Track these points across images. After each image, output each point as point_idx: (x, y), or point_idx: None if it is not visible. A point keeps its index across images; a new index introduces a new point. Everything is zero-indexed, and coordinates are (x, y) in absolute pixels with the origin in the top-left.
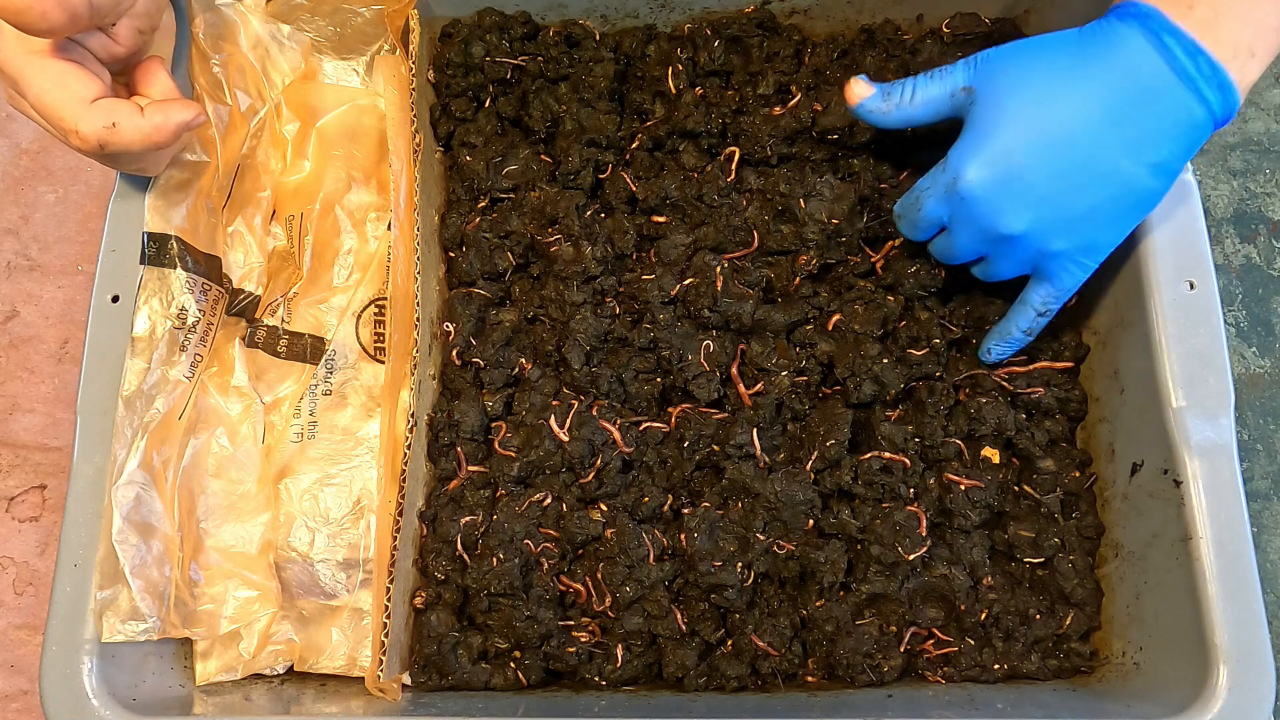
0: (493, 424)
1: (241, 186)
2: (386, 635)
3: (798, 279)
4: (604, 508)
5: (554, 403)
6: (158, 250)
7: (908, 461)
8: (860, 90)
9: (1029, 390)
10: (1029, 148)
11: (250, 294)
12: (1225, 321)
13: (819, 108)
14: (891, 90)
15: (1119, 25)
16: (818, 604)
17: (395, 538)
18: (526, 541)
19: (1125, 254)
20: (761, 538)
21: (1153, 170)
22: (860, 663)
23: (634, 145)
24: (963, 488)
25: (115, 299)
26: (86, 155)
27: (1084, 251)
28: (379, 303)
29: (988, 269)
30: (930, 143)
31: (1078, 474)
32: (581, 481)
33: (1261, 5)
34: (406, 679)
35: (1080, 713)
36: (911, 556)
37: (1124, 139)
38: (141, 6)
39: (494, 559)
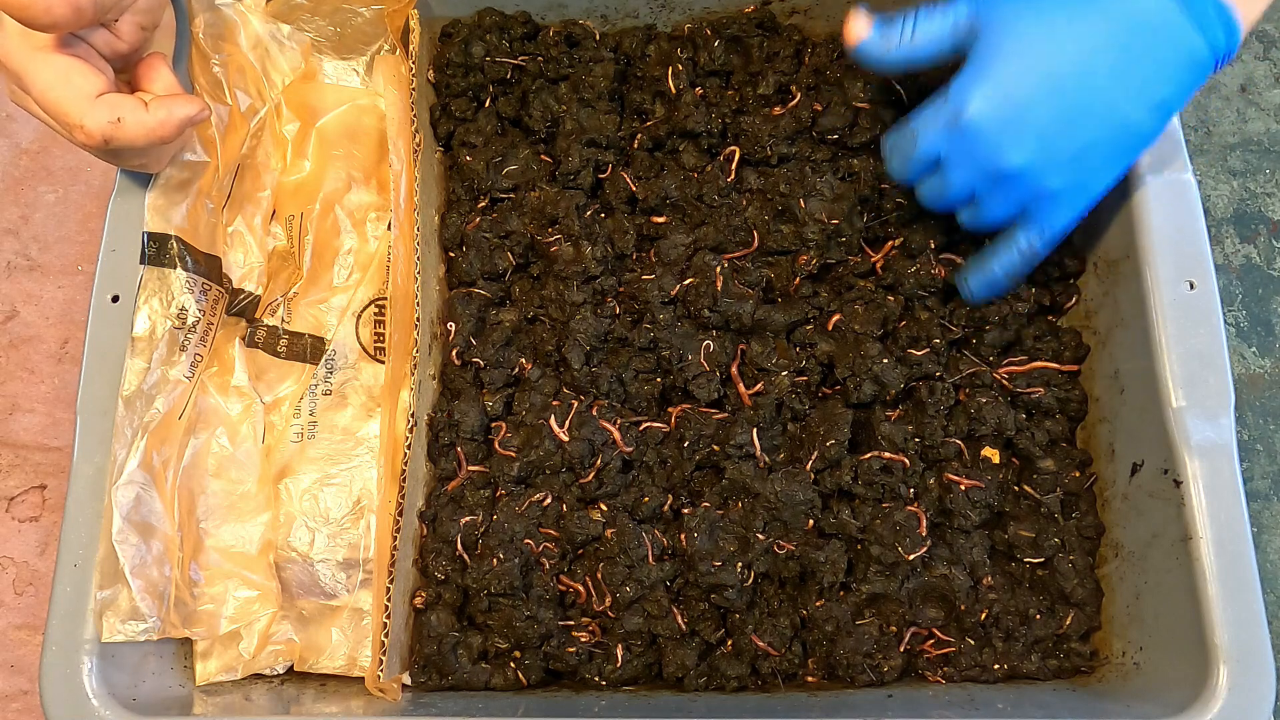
0: (493, 424)
1: (241, 186)
2: (386, 635)
3: (798, 279)
4: (604, 508)
5: (554, 403)
6: (158, 250)
7: (908, 461)
8: (859, 29)
9: (1029, 390)
10: (1034, 82)
11: (250, 294)
12: (1225, 321)
13: (819, 108)
14: (890, 27)
15: None
16: (818, 604)
17: (395, 538)
18: (526, 541)
19: (1125, 254)
20: (761, 538)
21: (1152, 110)
22: (860, 663)
23: (634, 145)
24: (963, 488)
25: (115, 299)
26: (90, 150)
27: (1077, 191)
28: (379, 303)
29: (977, 212)
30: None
31: (1078, 474)
32: (581, 481)
33: None
34: (406, 679)
35: (1080, 713)
36: (911, 556)
37: (1127, 77)
38: (143, 3)
39: (494, 559)
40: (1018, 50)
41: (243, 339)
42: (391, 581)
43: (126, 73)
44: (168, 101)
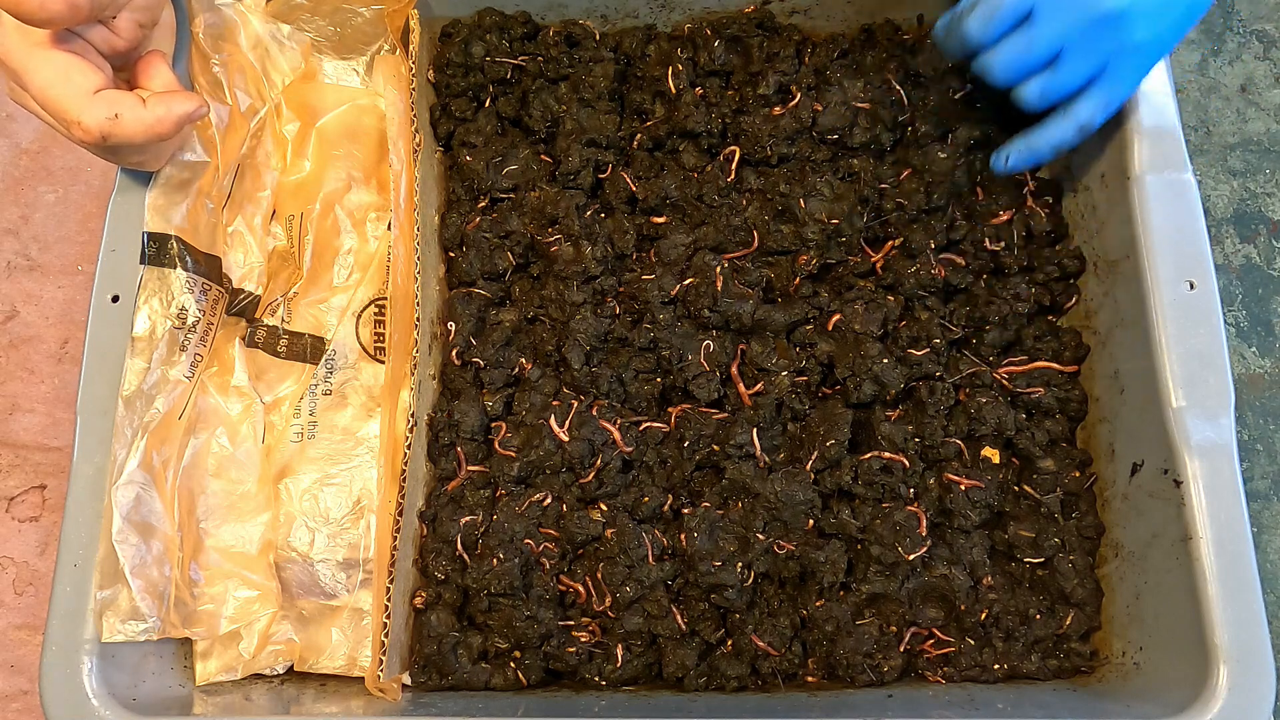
0: (493, 424)
1: (241, 186)
2: (386, 635)
3: (798, 279)
4: (604, 508)
5: (554, 403)
6: (158, 250)
7: (908, 461)
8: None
9: (1029, 390)
10: None
11: (250, 294)
12: (1225, 321)
13: (819, 108)
14: None
15: None
16: (818, 604)
17: (395, 538)
18: (526, 541)
19: (1125, 254)
20: (761, 538)
21: None
22: (860, 663)
23: (634, 145)
24: (963, 488)
25: (115, 299)
26: (88, 147)
27: (1156, 48)
28: (379, 303)
29: (1054, 76)
30: (930, 140)
31: (1078, 474)
32: (581, 481)
33: None
34: (406, 679)
35: (1080, 713)
36: (911, 556)
37: None
38: (141, 0)
39: (494, 559)
40: None
41: (243, 339)
42: (391, 581)
43: (125, 71)
44: (166, 98)
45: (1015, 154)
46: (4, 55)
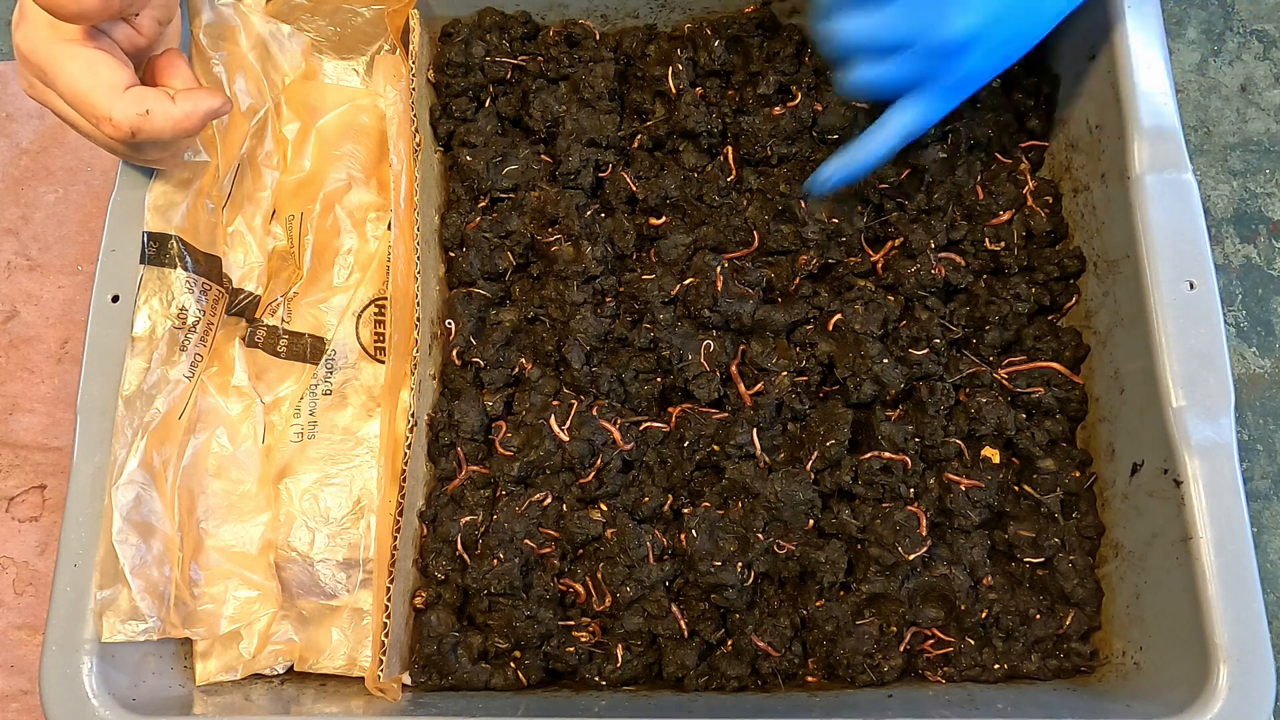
0: (493, 424)
1: (241, 186)
2: (386, 635)
3: (798, 279)
4: (604, 508)
5: (554, 403)
6: (158, 250)
7: (908, 461)
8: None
9: (1029, 390)
10: None
11: (250, 294)
12: (1225, 321)
13: (819, 108)
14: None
15: None
16: (818, 604)
17: (395, 538)
18: (526, 541)
19: (1125, 254)
20: (761, 538)
21: (1054, 16)
22: (860, 663)
23: (634, 145)
24: (963, 488)
25: (115, 299)
26: (113, 144)
27: (975, 80)
28: (379, 303)
29: (882, 73)
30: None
31: (1078, 474)
32: (581, 481)
33: None
34: (406, 679)
35: (1080, 712)
36: (911, 556)
37: None
38: None
39: (494, 559)
40: None
41: (243, 339)
42: (391, 581)
43: (140, 69)
44: (194, 94)
45: (833, 171)
46: (31, 50)
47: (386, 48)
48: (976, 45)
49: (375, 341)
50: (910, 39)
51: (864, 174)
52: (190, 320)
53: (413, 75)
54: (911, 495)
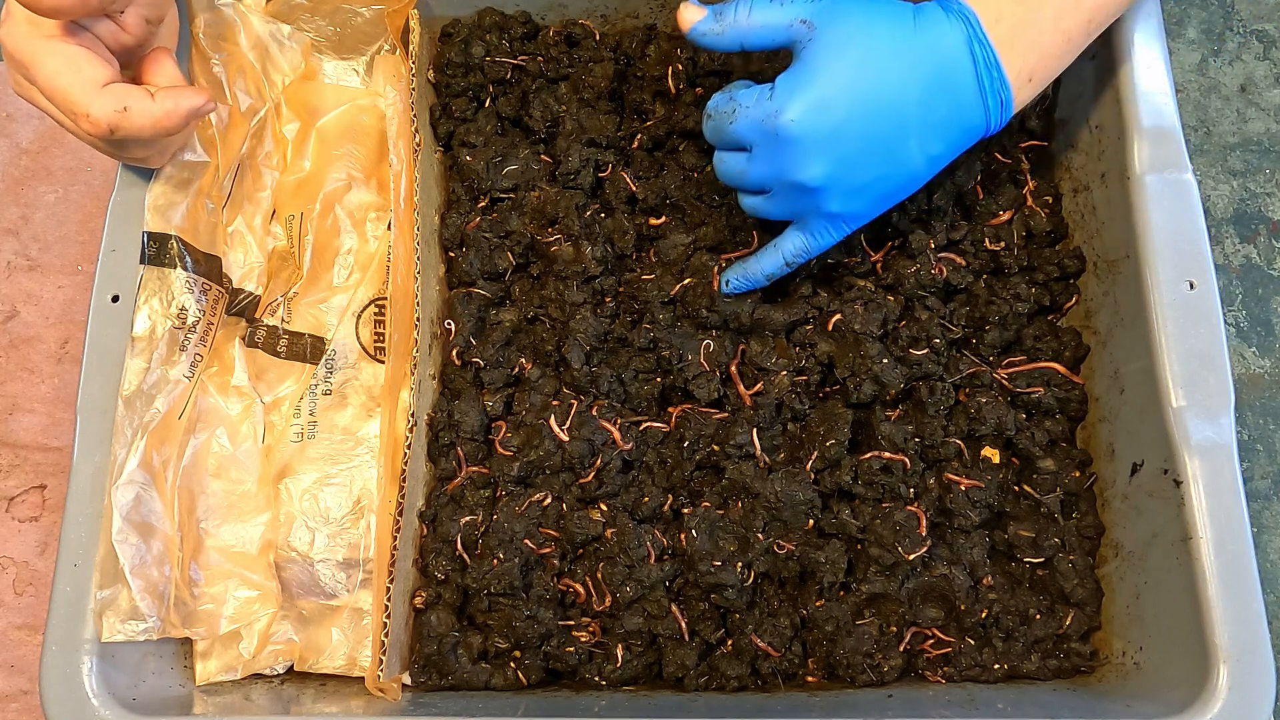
0: (493, 424)
1: (241, 186)
2: (386, 635)
3: (798, 279)
4: (604, 508)
5: (554, 403)
6: (158, 250)
7: (908, 461)
8: (691, 15)
9: (1029, 390)
10: (852, 107)
11: (250, 294)
12: (1225, 321)
13: None
14: (724, 10)
15: (945, 18)
16: (818, 604)
17: (395, 538)
18: (526, 541)
19: (1125, 254)
20: (761, 538)
21: (928, 161)
22: (860, 663)
23: (634, 145)
24: (963, 488)
25: (115, 299)
26: (94, 140)
27: (849, 219)
28: (379, 303)
29: (762, 205)
30: None
31: (1078, 474)
32: (581, 481)
33: (1048, 32)
34: (406, 679)
35: (1080, 712)
36: (911, 556)
37: (923, 126)
38: None
39: (494, 559)
40: (847, 72)
41: (243, 339)
42: (391, 581)
43: (130, 68)
44: (174, 93)
45: (735, 280)
46: (13, 46)
47: (386, 48)
48: (832, 190)
49: (375, 341)
50: (771, 182)
51: (762, 286)
52: (190, 320)
53: (413, 75)
54: (911, 495)
